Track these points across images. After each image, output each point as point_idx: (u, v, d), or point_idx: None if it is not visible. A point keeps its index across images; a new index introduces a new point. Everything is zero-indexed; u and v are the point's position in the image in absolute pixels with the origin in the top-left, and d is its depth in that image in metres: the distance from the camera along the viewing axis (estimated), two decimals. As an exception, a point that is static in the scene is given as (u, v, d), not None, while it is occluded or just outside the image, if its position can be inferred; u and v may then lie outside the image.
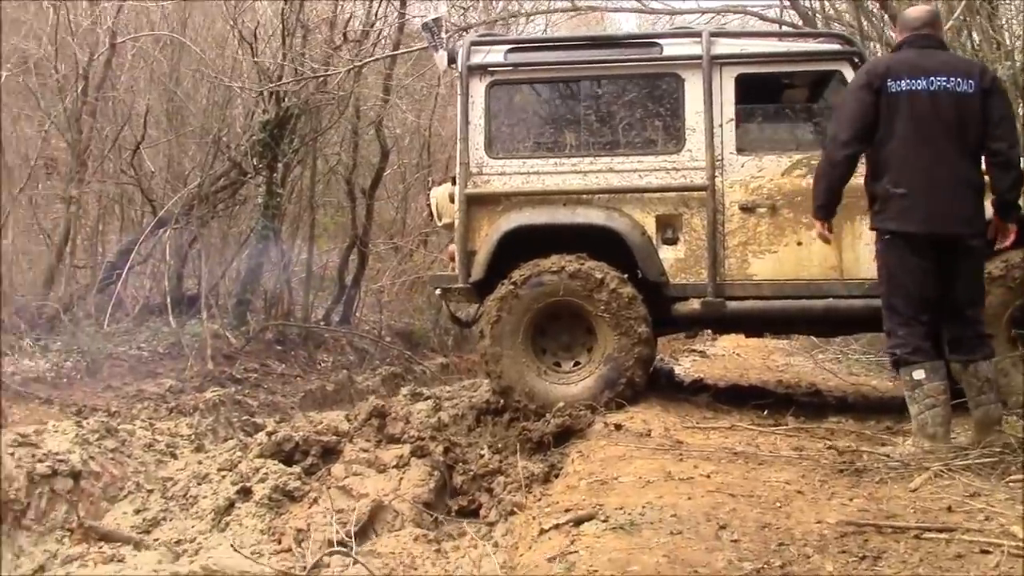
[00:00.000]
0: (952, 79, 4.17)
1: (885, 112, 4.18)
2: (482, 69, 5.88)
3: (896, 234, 4.19)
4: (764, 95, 6.01)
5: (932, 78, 4.17)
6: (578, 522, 3.20)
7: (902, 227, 4.18)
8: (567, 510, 3.37)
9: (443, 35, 6.00)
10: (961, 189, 4.22)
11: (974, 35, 7.72)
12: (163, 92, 10.64)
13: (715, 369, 8.93)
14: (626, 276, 5.58)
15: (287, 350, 10.28)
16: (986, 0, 7.85)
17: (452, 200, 5.89)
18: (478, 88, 5.87)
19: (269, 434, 5.54)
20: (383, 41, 10.97)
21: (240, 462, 5.34)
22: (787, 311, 5.63)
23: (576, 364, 5.74)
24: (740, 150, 5.67)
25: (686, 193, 5.67)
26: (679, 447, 4.37)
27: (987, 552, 2.63)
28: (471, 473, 5.24)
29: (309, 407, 7.76)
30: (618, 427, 4.87)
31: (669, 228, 5.73)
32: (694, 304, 5.65)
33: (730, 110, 5.68)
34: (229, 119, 10.83)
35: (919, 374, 4.12)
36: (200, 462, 5.35)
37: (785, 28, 8.68)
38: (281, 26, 9.96)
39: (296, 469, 5.22)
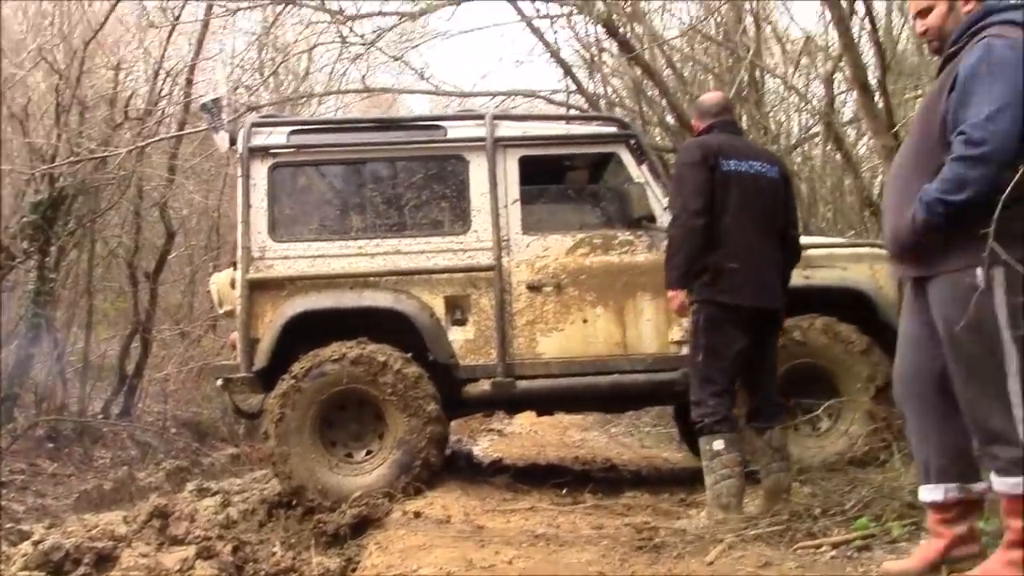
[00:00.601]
0: (764, 165, 4.54)
1: (719, 189, 4.41)
2: (264, 151, 5.80)
3: (725, 307, 4.37)
4: (547, 176, 6.19)
5: (751, 162, 4.51)
6: (377, 619, 3.02)
7: (734, 300, 4.37)
8: (366, 607, 3.19)
9: (223, 116, 5.83)
10: (776, 266, 4.55)
11: (744, 120, 8.23)
12: (-82, 169, 9.83)
13: (513, 448, 8.97)
14: (414, 357, 5.57)
15: (60, 447, 9.58)
16: (753, 88, 8.40)
17: (234, 286, 5.64)
18: (260, 170, 5.78)
19: (35, 543, 5.04)
20: (168, 119, 10.56)
21: (0, 577, 4.82)
22: (575, 388, 5.72)
23: (368, 453, 5.64)
24: (525, 230, 5.78)
25: (473, 274, 5.72)
26: (480, 532, 4.33)
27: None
28: (262, 573, 4.94)
29: (84, 509, 7.20)
30: (417, 515, 4.76)
31: (458, 309, 5.74)
32: (484, 385, 5.67)
33: (515, 191, 5.79)
34: (-4, 201, 10.10)
35: (719, 444, 4.30)
36: (-47, 578, 4.80)
37: (573, 112, 8.94)
38: (56, 103, 9.38)
39: (66, 581, 4.74)
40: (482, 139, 5.78)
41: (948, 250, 2.91)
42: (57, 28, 9.93)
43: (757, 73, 8.85)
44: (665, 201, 5.56)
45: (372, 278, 5.69)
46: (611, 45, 9.04)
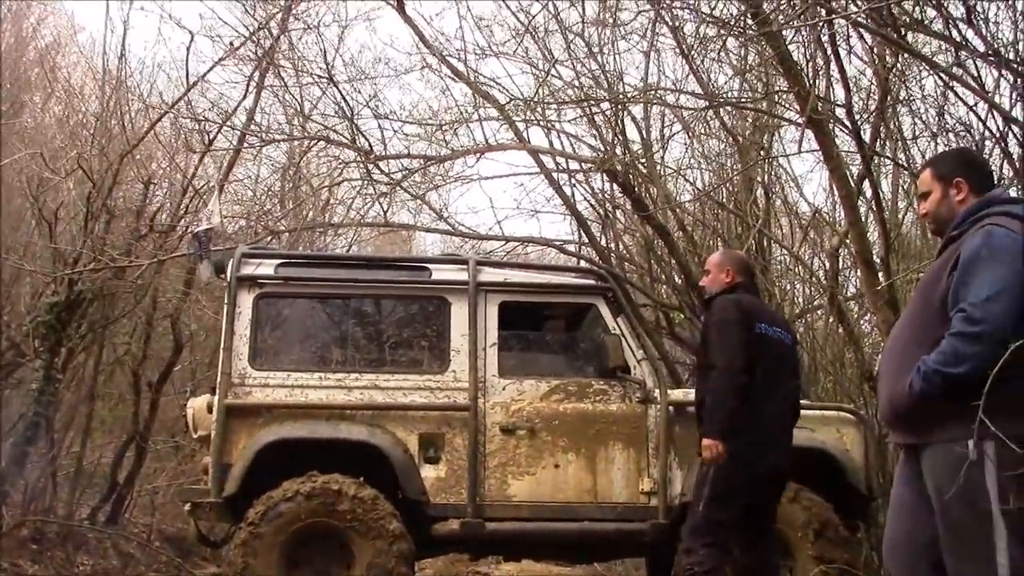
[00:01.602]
0: (782, 331, 4.71)
1: (753, 349, 4.61)
2: (251, 281, 6.00)
3: (745, 466, 4.55)
4: (526, 322, 6.50)
5: (774, 327, 4.66)
6: None
7: (755, 461, 4.58)
8: None
9: (211, 247, 6.07)
10: (790, 431, 4.81)
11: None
12: (-57, 264, 10.06)
13: (500, 593, 8.77)
14: (385, 494, 5.66)
15: (43, 550, 9.57)
16: (760, 256, 8.65)
17: (210, 411, 5.71)
18: (246, 299, 6.00)
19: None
20: (189, 235, 10.81)
21: None
22: (544, 533, 5.87)
23: None
24: (502, 373, 5.99)
25: (449, 413, 5.89)
26: None
27: None
28: None
29: (61, 616, 7.04)
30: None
31: (431, 447, 5.88)
32: (454, 524, 5.77)
33: (493, 335, 6.04)
34: (14, 297, 10.26)
35: None
36: None
37: (583, 263, 9.19)
38: (86, 210, 9.65)
39: None
40: (465, 283, 6.01)
41: (942, 420, 3.05)
42: (96, 139, 10.26)
43: (765, 242, 9.12)
44: (640, 353, 5.74)
45: (348, 411, 5.81)
46: (625, 203, 9.34)
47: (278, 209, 12.15)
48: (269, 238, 9.79)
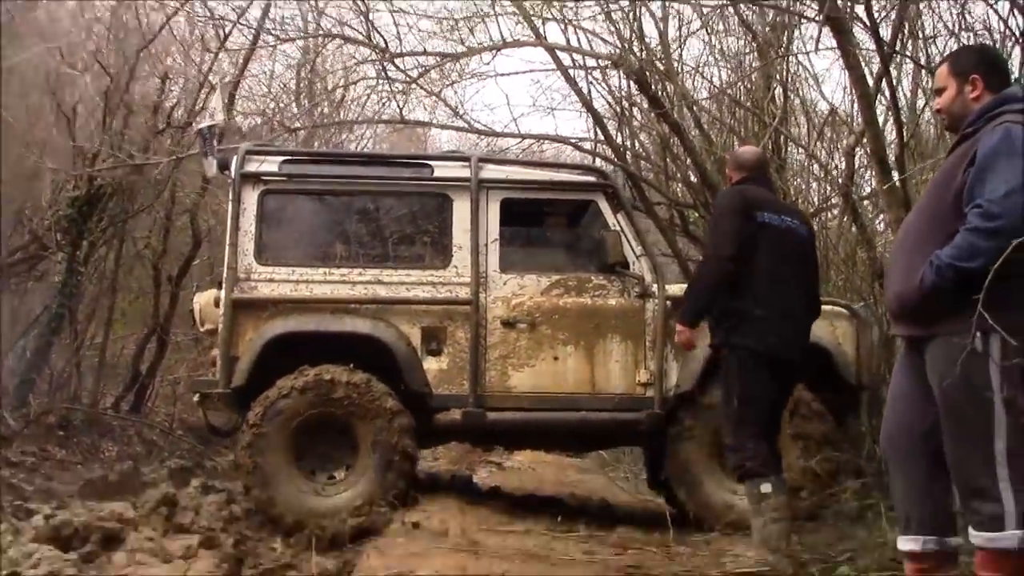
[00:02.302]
0: (795, 221, 4.73)
1: (753, 238, 4.65)
2: (255, 177, 6.05)
3: (754, 352, 4.57)
4: (527, 219, 6.59)
5: (783, 217, 4.68)
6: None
7: (757, 346, 4.58)
8: (363, 600, 3.34)
9: (215, 143, 6.09)
10: (798, 320, 4.78)
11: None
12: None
13: (511, 480, 9.15)
14: (389, 386, 5.74)
15: (70, 436, 9.94)
16: (776, 154, 8.60)
17: (217, 305, 5.83)
18: (251, 196, 6.07)
19: (47, 517, 5.20)
20: (222, 132, 10.83)
21: (11, 547, 4.96)
22: (543, 422, 6.02)
23: (348, 468, 5.86)
24: (503, 269, 6.09)
25: (451, 307, 6.00)
26: (476, 547, 4.48)
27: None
28: (261, 567, 5.10)
29: (89, 496, 7.36)
30: (416, 526, 4.93)
31: (434, 340, 6.00)
32: (456, 415, 5.92)
33: (495, 231, 6.12)
34: (35, 192, 10.33)
35: (766, 487, 4.46)
36: (-35, 546, 4.98)
37: (599, 161, 9.17)
38: (104, 105, 9.65)
39: (73, 556, 4.90)
40: (467, 180, 6.08)
41: (949, 314, 3.11)
42: (112, 34, 10.19)
43: (781, 140, 9.05)
44: (639, 249, 5.82)
45: (352, 305, 5.92)
46: (642, 101, 9.25)
47: (294, 106, 12.10)
48: (285, 135, 9.75)
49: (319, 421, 5.73)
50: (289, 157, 6.36)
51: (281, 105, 12.14)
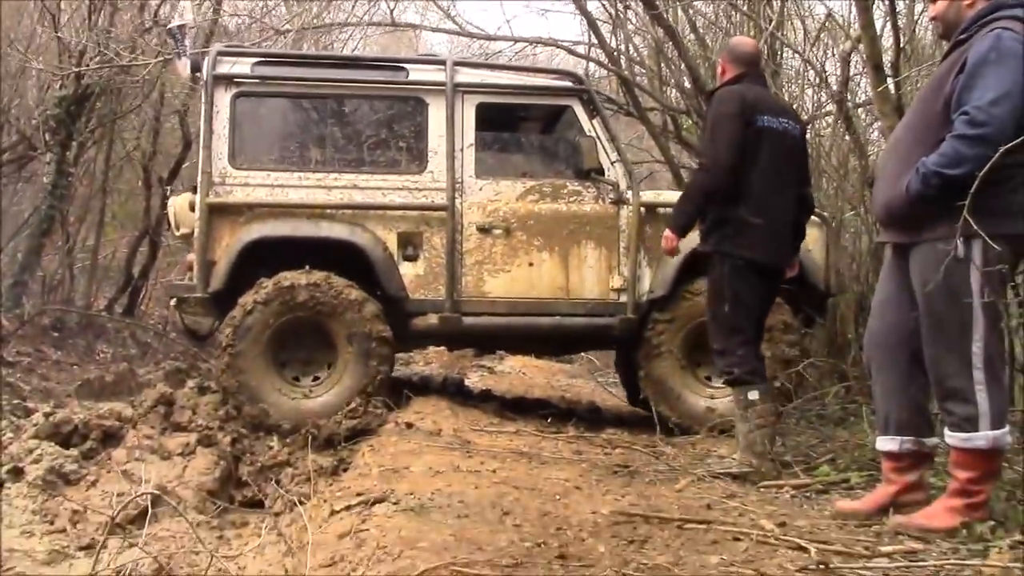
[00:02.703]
0: (790, 122, 4.67)
1: (751, 143, 4.55)
2: (228, 80, 6.00)
3: (749, 261, 4.53)
4: (502, 124, 6.64)
5: (780, 118, 4.62)
6: (369, 504, 3.29)
7: (753, 255, 4.55)
8: (359, 494, 3.51)
9: (187, 43, 6.01)
10: (792, 225, 4.75)
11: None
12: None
13: (502, 384, 9.33)
14: (365, 291, 5.81)
15: (64, 338, 10.07)
16: (771, 60, 8.54)
17: (192, 209, 5.81)
18: (223, 98, 5.99)
19: (47, 415, 5.33)
20: (195, 31, 10.66)
21: (11, 444, 5.09)
22: (518, 327, 6.10)
23: (330, 366, 5.90)
24: (479, 174, 6.12)
25: (427, 212, 6.03)
26: (467, 446, 4.61)
27: (739, 540, 3.02)
28: (258, 464, 5.27)
29: (85, 396, 7.51)
30: (409, 425, 5.07)
31: (410, 245, 6.05)
32: (432, 319, 6.00)
33: (471, 136, 6.11)
34: (21, 91, 10.21)
35: (753, 395, 4.51)
36: (-35, 442, 5.11)
37: (591, 65, 9.09)
38: (89, 1, 9.48)
39: (74, 452, 5.04)
40: (442, 84, 6.06)
41: (934, 220, 3.17)
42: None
43: (777, 45, 8.96)
44: (614, 156, 5.83)
45: (329, 210, 5.95)
46: (636, 3, 9.12)
47: (283, 7, 11.88)
48: (273, 37, 9.61)
49: (290, 328, 5.77)
50: (262, 59, 6.25)
51: (270, 5, 11.93)
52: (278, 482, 5.00)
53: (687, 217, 4.69)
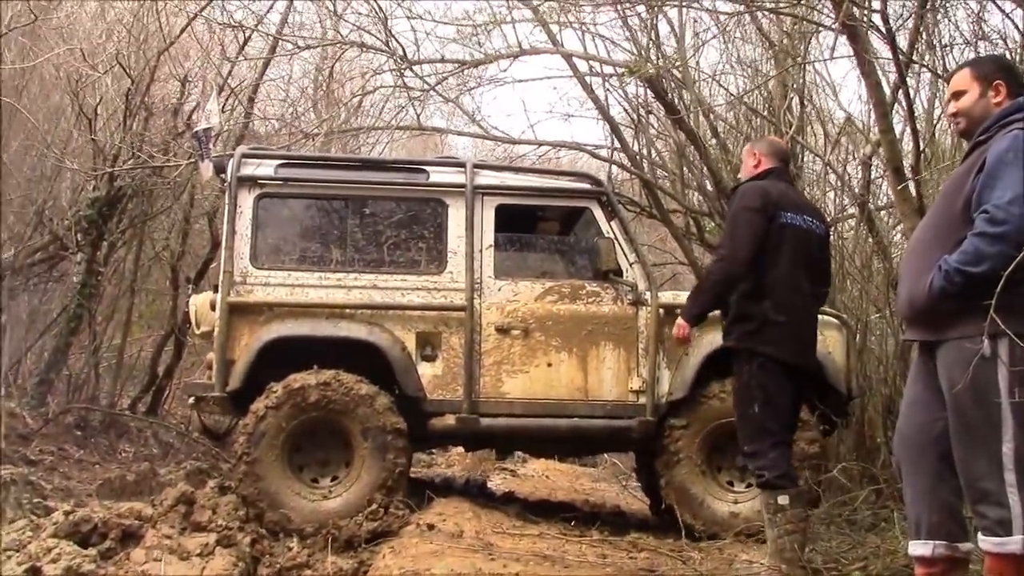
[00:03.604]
0: (814, 221, 4.69)
1: (774, 239, 4.60)
2: (252, 181, 6.15)
3: (776, 360, 4.55)
4: (522, 225, 6.76)
5: (804, 216, 4.64)
6: (391, 605, 3.24)
7: (777, 353, 4.57)
8: (380, 596, 3.41)
9: (211, 146, 6.17)
10: (815, 324, 4.80)
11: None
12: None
13: (525, 487, 9.23)
14: (384, 390, 5.84)
15: (87, 436, 10.13)
16: (793, 163, 8.63)
17: (213, 308, 5.90)
18: (246, 199, 6.16)
19: (66, 513, 5.31)
20: (226, 135, 10.94)
21: (30, 542, 5.07)
22: (536, 428, 6.12)
23: (348, 465, 5.93)
24: (498, 275, 6.22)
25: (446, 312, 6.10)
26: (490, 548, 4.54)
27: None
28: (277, 567, 5.19)
29: (106, 495, 7.49)
30: (431, 527, 5.03)
31: (428, 345, 6.10)
32: (450, 420, 6.00)
33: (489, 237, 6.24)
34: (56, 192, 10.47)
35: (783, 500, 4.47)
36: (-15, 541, 5.11)
37: (614, 168, 9.24)
38: (124, 107, 9.77)
39: (92, 552, 5.00)
40: (462, 186, 6.18)
41: (959, 318, 3.18)
42: (133, 36, 10.32)
43: (798, 149, 9.08)
44: (632, 257, 5.87)
45: (348, 310, 6.02)
46: (658, 108, 9.30)
47: (311, 112, 12.18)
48: (302, 141, 9.85)
49: (305, 429, 5.83)
50: (285, 161, 6.43)
51: (299, 111, 12.24)
52: (298, 584, 4.94)
53: (700, 307, 4.75)
